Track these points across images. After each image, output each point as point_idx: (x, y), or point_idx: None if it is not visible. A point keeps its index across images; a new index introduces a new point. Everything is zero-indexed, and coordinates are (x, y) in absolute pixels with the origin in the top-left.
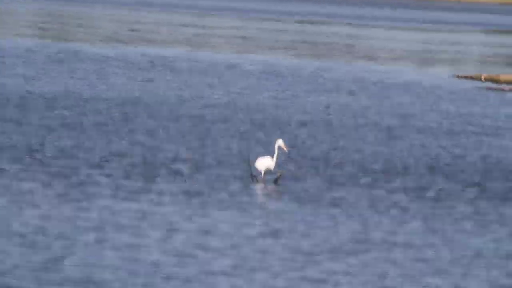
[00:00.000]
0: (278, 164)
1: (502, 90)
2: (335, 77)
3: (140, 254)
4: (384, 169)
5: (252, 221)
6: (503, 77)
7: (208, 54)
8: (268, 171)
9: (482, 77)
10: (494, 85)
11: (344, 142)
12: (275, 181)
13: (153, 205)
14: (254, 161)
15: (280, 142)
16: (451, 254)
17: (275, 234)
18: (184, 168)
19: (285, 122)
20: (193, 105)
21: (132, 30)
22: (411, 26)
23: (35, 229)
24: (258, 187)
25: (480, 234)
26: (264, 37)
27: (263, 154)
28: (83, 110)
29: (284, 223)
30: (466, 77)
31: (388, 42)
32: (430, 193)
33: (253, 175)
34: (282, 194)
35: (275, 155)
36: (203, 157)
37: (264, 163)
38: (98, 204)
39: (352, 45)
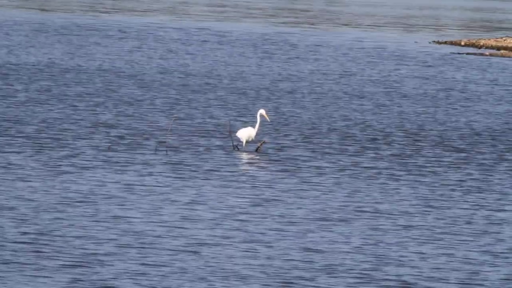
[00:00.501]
0: (260, 133)
1: (482, 55)
2: (317, 44)
3: (128, 225)
4: (370, 137)
5: (239, 191)
6: (483, 42)
7: (190, 22)
8: (250, 140)
9: (462, 42)
10: (474, 50)
11: (328, 109)
12: (257, 150)
13: (139, 176)
14: (236, 131)
15: (262, 112)
16: (440, 221)
17: (262, 203)
18: (168, 138)
19: (268, 90)
20: (176, 74)
21: None
22: None
23: (24, 202)
24: (241, 157)
25: (468, 200)
26: (245, 5)
27: (245, 123)
28: (67, 81)
29: (270, 192)
30: (446, 43)
31: (368, 8)
32: (417, 160)
33: (235, 145)
34: (267, 163)
35: (257, 124)
36: (187, 126)
37: (246, 132)
38: (83, 176)
39: (332, 12)
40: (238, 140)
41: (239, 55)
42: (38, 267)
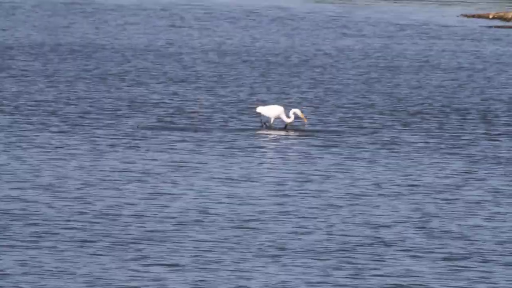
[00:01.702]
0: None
1: (511, 27)
2: (345, 19)
3: (174, 203)
4: (401, 110)
5: (277, 168)
6: (511, 14)
7: (221, 0)
8: (277, 119)
9: (490, 15)
10: (503, 23)
11: (364, 85)
12: (285, 127)
13: (175, 154)
14: (265, 108)
15: (297, 111)
16: (485, 194)
17: (303, 179)
18: (198, 116)
19: (299, 66)
20: (210, 52)
21: None
22: None
23: (71, 181)
24: (272, 134)
25: (499, 172)
26: None
27: (274, 98)
28: (101, 60)
29: (309, 169)
30: (474, 16)
31: None
32: (449, 132)
33: (263, 123)
34: (299, 140)
35: (290, 120)
36: (217, 104)
37: (274, 111)
38: (118, 155)
39: None
40: (266, 117)
41: (269, 32)
42: (96, 246)
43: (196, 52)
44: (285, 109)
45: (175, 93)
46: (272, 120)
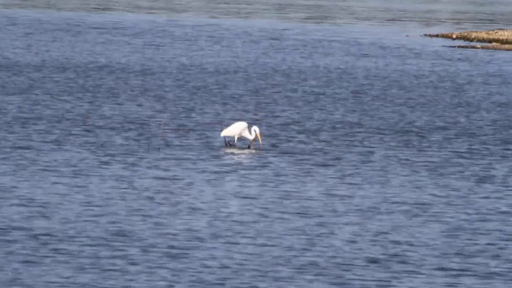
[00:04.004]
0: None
1: (474, 47)
2: (308, 38)
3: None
4: (365, 129)
5: (247, 185)
6: (474, 34)
7: (195, 19)
8: (242, 136)
9: (454, 35)
10: (466, 43)
11: (324, 104)
12: (249, 147)
13: (163, 172)
14: (229, 128)
15: (256, 130)
16: (454, 212)
17: (278, 197)
18: (169, 134)
19: (261, 85)
20: (190, 72)
21: None
22: None
23: (75, 199)
24: (234, 153)
25: (472, 190)
26: (251, 1)
27: (240, 118)
28: (90, 78)
29: (283, 186)
30: (438, 36)
31: (359, 1)
32: (414, 152)
33: (227, 141)
34: (266, 159)
35: (251, 138)
36: (185, 123)
37: (238, 128)
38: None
39: (325, 6)
40: (230, 137)
41: (242, 51)
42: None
43: (174, 72)
44: (248, 126)
45: (143, 111)
46: (236, 139)
